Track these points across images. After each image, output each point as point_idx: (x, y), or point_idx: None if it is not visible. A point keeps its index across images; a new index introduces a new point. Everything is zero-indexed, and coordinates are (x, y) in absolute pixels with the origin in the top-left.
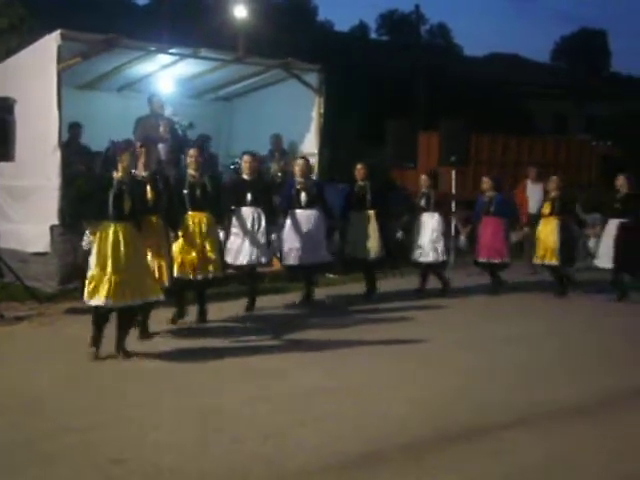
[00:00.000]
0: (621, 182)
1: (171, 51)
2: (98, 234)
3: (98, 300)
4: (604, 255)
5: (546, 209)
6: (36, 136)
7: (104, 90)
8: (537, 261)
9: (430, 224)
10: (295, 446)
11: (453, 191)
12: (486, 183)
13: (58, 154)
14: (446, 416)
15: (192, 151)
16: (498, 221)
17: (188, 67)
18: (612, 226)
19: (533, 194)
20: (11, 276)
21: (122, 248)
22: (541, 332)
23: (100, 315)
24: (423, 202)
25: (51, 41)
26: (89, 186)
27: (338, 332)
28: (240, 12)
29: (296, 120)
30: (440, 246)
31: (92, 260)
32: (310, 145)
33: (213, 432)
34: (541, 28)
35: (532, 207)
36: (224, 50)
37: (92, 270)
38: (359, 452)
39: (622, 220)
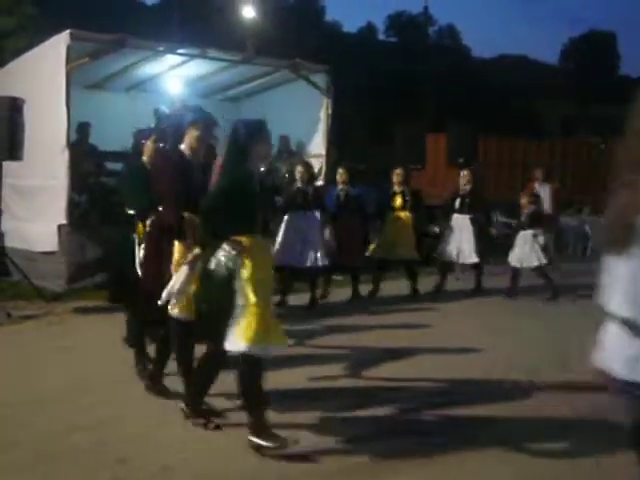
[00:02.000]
0: (467, 178)
1: (179, 51)
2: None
3: (263, 346)
4: (452, 250)
5: (396, 203)
6: (45, 136)
7: (112, 90)
8: (382, 255)
9: (303, 223)
10: (301, 448)
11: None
12: (341, 175)
13: (66, 154)
14: (445, 418)
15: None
16: (352, 218)
17: (196, 67)
18: (459, 221)
19: (541, 195)
20: (19, 275)
21: (270, 271)
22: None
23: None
24: (300, 199)
25: (60, 41)
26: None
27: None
28: (248, 13)
29: (304, 121)
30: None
31: (245, 289)
32: (318, 146)
33: (219, 433)
34: (550, 30)
35: None
36: (232, 51)
37: (249, 304)
38: (366, 455)
39: (469, 216)
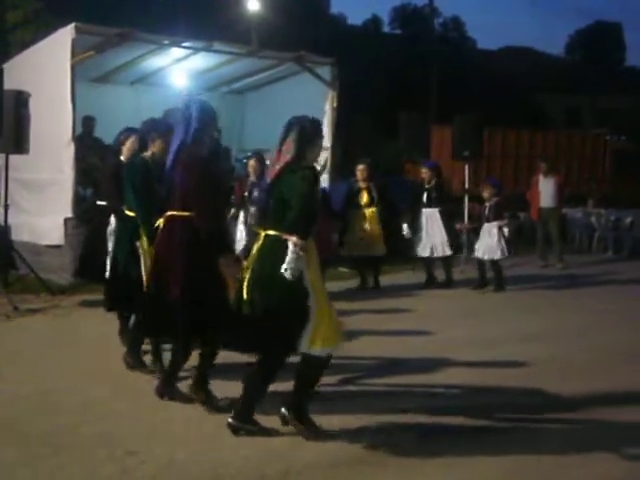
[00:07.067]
0: (430, 172)
1: (184, 44)
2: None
3: (334, 346)
4: (426, 245)
5: (362, 199)
6: (50, 129)
7: (117, 83)
8: (350, 252)
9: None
10: (306, 441)
11: (466, 185)
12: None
13: (72, 147)
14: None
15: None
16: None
17: (201, 60)
18: (428, 216)
19: (545, 188)
20: (25, 268)
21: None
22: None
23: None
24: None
25: (65, 34)
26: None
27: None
28: (253, 5)
29: (309, 114)
30: None
31: (314, 291)
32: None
33: (225, 425)
34: (556, 21)
35: (544, 201)
36: (237, 43)
37: (319, 305)
38: (371, 447)
39: (437, 209)
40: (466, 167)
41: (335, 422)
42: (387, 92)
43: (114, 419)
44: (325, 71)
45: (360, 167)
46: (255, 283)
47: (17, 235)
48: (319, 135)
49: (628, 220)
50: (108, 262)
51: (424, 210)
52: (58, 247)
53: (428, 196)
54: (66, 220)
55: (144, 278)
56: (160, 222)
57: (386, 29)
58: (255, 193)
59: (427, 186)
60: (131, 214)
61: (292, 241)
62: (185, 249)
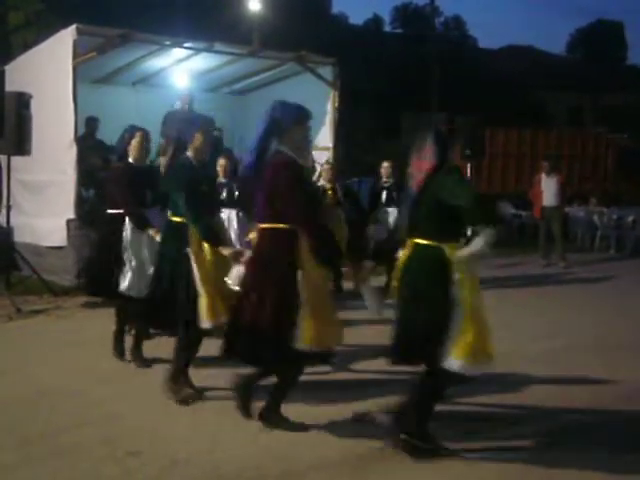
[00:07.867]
0: (390, 171)
1: (186, 45)
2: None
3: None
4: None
5: (327, 200)
6: (52, 131)
7: (119, 84)
8: None
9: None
10: (309, 441)
11: None
12: None
13: (74, 148)
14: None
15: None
16: None
17: (203, 61)
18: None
19: (548, 187)
20: (28, 270)
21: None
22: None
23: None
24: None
25: (67, 36)
26: None
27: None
28: (254, 5)
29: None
30: None
31: (467, 301)
32: (325, 139)
33: (227, 426)
34: (557, 20)
35: (547, 200)
36: (238, 44)
37: (469, 318)
38: (375, 448)
39: (397, 208)
40: (468, 166)
41: (342, 422)
42: (388, 91)
43: (116, 420)
44: (326, 71)
45: (325, 167)
46: (403, 292)
47: (19, 236)
48: (452, 136)
49: (630, 218)
50: (129, 275)
51: (388, 209)
52: (60, 248)
53: (388, 195)
54: (68, 221)
55: (198, 287)
56: (253, 237)
57: (387, 28)
58: (224, 194)
59: (385, 185)
60: (178, 219)
61: (477, 246)
62: (276, 274)
